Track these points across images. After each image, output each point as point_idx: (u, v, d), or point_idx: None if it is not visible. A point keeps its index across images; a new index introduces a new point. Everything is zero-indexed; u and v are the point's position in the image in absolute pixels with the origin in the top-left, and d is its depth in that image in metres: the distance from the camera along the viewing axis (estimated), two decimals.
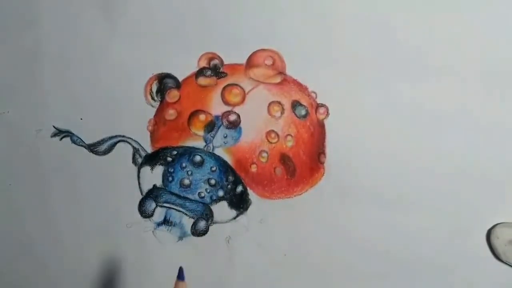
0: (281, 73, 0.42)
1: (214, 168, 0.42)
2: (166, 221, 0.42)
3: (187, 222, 0.42)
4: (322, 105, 0.41)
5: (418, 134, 0.41)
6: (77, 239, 0.42)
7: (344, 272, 0.42)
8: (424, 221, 0.41)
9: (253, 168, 0.42)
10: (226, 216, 0.42)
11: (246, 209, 0.42)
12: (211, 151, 0.42)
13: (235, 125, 0.42)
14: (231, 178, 0.42)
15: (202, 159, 0.42)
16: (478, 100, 0.40)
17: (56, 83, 0.43)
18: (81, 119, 0.42)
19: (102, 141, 0.42)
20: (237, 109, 0.42)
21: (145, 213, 0.42)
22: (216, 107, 0.42)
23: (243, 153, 0.42)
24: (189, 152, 0.42)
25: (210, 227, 0.42)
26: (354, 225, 0.41)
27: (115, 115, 0.42)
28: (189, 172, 0.42)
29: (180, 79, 0.42)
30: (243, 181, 0.42)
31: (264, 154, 0.42)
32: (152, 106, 0.42)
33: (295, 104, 0.42)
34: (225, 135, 0.42)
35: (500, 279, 0.41)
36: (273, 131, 0.42)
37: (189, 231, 0.42)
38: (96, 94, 0.42)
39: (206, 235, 0.42)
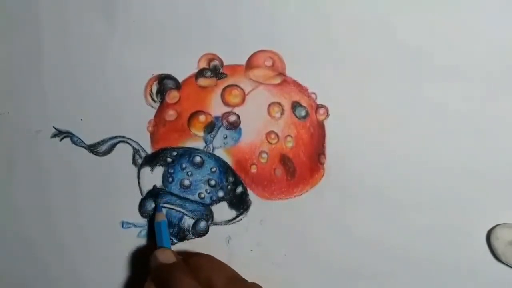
0: (281, 74, 0.42)
1: (214, 169, 0.42)
2: None
3: (187, 222, 0.42)
4: (322, 106, 0.41)
5: (418, 135, 0.41)
6: (76, 240, 0.42)
7: (344, 272, 0.42)
8: (424, 221, 0.41)
9: (253, 169, 0.42)
10: (226, 217, 0.42)
11: (246, 209, 0.42)
12: (211, 152, 0.42)
13: (235, 126, 0.42)
14: (231, 179, 0.42)
15: (202, 160, 0.42)
16: (478, 100, 0.40)
17: (56, 84, 0.42)
18: (81, 119, 0.42)
19: (102, 142, 0.42)
20: (237, 110, 0.42)
21: (145, 214, 0.42)
22: (216, 108, 0.42)
23: (243, 154, 0.42)
24: (189, 153, 0.42)
25: (210, 228, 0.42)
26: (354, 225, 0.41)
27: (115, 116, 0.42)
28: (189, 173, 0.42)
29: (180, 80, 0.42)
30: (243, 181, 0.42)
31: (264, 155, 0.42)
32: (152, 107, 0.42)
33: (295, 105, 0.42)
34: (225, 136, 0.42)
35: (500, 280, 0.41)
36: (273, 132, 0.42)
37: (189, 232, 0.42)
38: (96, 95, 0.42)
39: (206, 235, 0.42)
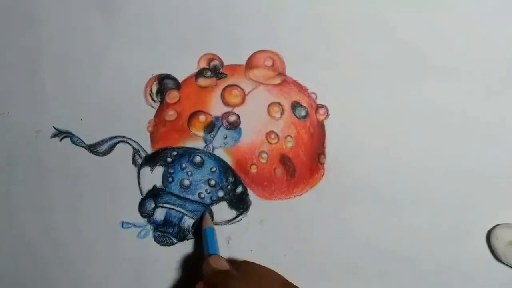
0: (281, 74, 0.42)
1: (214, 169, 0.42)
2: (166, 222, 0.42)
3: (187, 222, 0.42)
4: (322, 106, 0.41)
5: (418, 135, 0.41)
6: (76, 240, 0.42)
7: (344, 272, 0.42)
8: (424, 222, 0.41)
9: (253, 169, 0.42)
10: (226, 217, 0.42)
11: (246, 209, 0.42)
12: (211, 152, 0.42)
13: (235, 126, 0.42)
14: (231, 179, 0.42)
15: (202, 160, 0.42)
16: (478, 100, 0.40)
17: (56, 84, 0.42)
18: (81, 119, 0.42)
19: (102, 142, 0.42)
20: (237, 110, 0.42)
21: (145, 214, 0.42)
22: (216, 108, 0.42)
23: (243, 154, 0.42)
24: (189, 153, 0.42)
25: None
26: (354, 225, 0.41)
27: (115, 116, 0.42)
28: (189, 173, 0.42)
29: (180, 80, 0.42)
30: (243, 181, 0.42)
31: (264, 155, 0.42)
32: (152, 107, 0.42)
33: (295, 105, 0.42)
34: (225, 136, 0.42)
35: (500, 280, 0.41)
36: (273, 132, 0.42)
37: (189, 232, 0.42)
38: (96, 95, 0.42)
39: None
